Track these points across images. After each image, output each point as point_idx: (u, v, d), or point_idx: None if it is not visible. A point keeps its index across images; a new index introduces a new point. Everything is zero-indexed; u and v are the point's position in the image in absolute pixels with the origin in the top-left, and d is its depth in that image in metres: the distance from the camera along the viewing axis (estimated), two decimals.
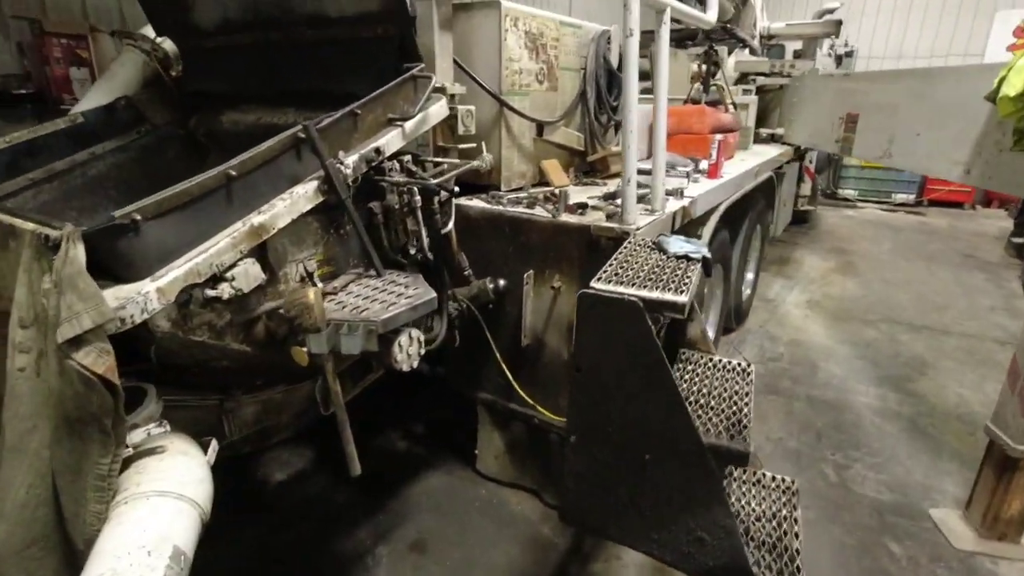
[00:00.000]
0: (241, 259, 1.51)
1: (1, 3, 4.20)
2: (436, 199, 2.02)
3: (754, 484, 2.14)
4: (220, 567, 2.39)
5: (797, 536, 1.89)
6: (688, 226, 3.02)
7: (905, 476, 3.12)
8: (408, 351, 1.71)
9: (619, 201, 2.31)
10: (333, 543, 2.60)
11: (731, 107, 4.93)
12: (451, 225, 2.27)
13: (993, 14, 10.50)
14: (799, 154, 6.79)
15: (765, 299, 5.76)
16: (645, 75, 5.74)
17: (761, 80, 6.16)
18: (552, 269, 2.46)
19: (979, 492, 2.66)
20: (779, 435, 3.47)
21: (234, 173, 1.50)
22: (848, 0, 11.30)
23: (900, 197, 10.59)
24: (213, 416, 2.01)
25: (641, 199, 2.47)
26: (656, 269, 1.83)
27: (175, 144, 2.84)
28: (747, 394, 1.98)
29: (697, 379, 2.09)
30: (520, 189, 2.87)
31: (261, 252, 1.61)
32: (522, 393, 2.59)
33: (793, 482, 2.14)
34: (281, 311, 1.55)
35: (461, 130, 2.51)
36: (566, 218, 2.37)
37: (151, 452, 1.52)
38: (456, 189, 2.14)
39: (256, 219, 1.54)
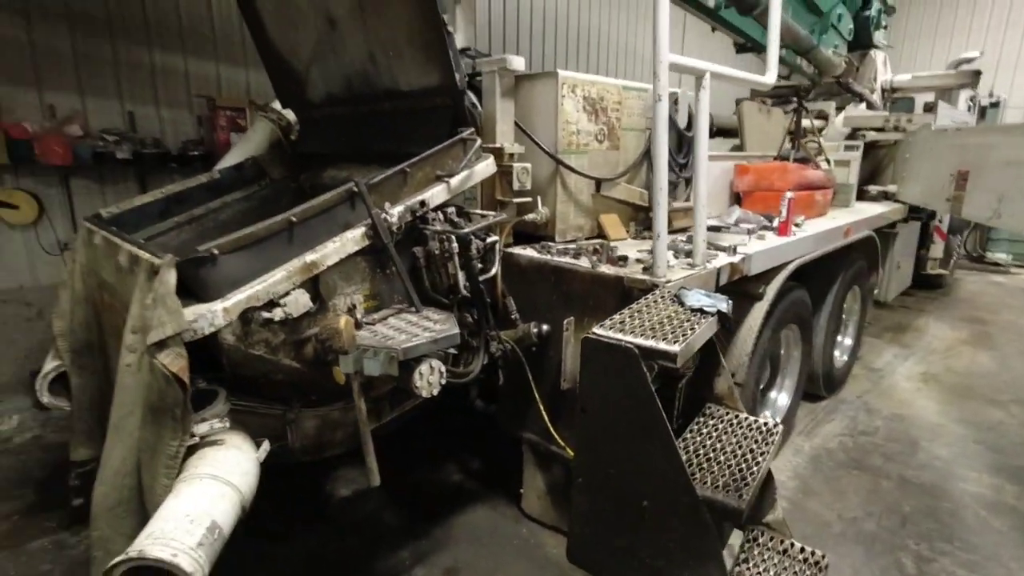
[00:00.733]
0: (294, 289, 1.85)
1: (189, 85, 5.29)
2: (474, 246, 2.25)
3: (779, 552, 2.03)
4: (275, 564, 2.70)
5: None
6: (743, 282, 2.99)
7: None
8: (428, 379, 1.92)
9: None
10: (376, 559, 2.81)
11: (825, 164, 4.73)
12: (494, 271, 2.50)
13: None
14: (928, 214, 6.24)
15: (870, 368, 5.27)
16: (727, 131, 5.74)
17: (872, 135, 5.82)
18: (590, 317, 2.56)
19: None
20: (855, 514, 3.16)
21: (295, 219, 1.86)
22: (991, 49, 10.37)
23: None
24: (280, 424, 2.35)
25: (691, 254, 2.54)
26: (666, 320, 1.90)
27: (288, 195, 3.39)
28: (763, 453, 1.92)
29: (715, 433, 2.06)
30: (574, 241, 3.04)
31: (314, 284, 1.93)
32: (556, 436, 2.68)
33: (823, 556, 2.01)
34: (319, 333, 1.85)
35: (516, 185, 2.78)
36: (604, 269, 2.49)
37: (212, 443, 1.85)
38: (509, 240, 2.38)
39: (309, 257, 1.88)
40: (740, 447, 1.96)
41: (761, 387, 3.65)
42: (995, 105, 8.42)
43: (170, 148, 5.12)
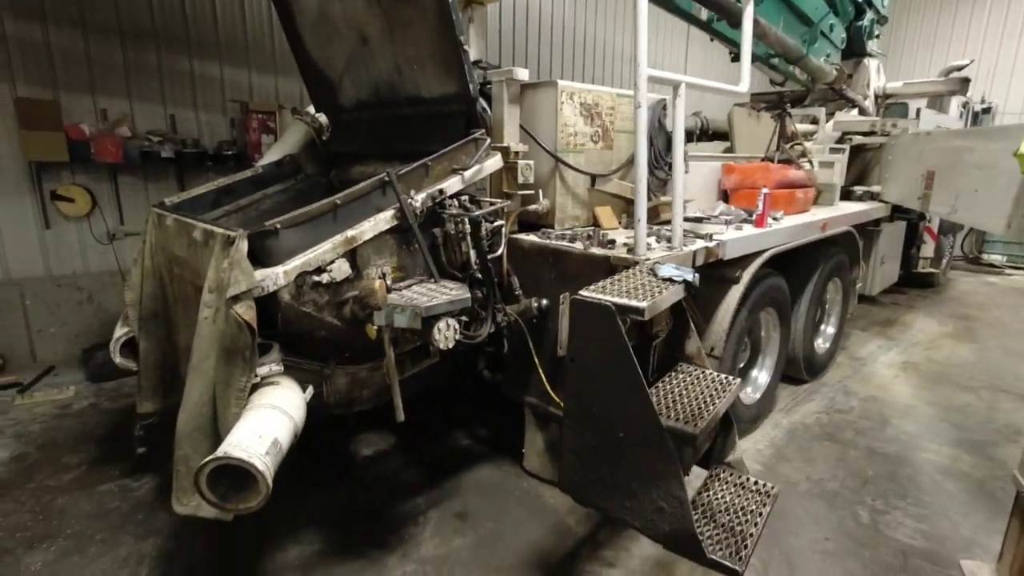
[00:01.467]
0: (337, 259, 2.28)
1: (224, 91, 5.79)
2: (484, 228, 2.68)
3: (736, 485, 2.43)
4: (312, 515, 3.12)
5: (756, 525, 2.17)
6: (721, 267, 3.38)
7: (949, 529, 3.07)
8: (445, 334, 2.34)
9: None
10: (396, 506, 3.22)
11: (808, 165, 5.11)
12: (501, 250, 2.93)
13: None
14: (918, 214, 6.56)
15: (853, 356, 5.62)
16: (720, 135, 6.19)
17: (859, 139, 6.19)
18: None
19: (1008, 544, 2.62)
20: (821, 476, 3.54)
21: (339, 202, 2.30)
22: (987, 57, 10.66)
23: None
24: (317, 379, 2.78)
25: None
26: (640, 286, 2.31)
27: (320, 188, 3.85)
28: (719, 397, 2.32)
29: (683, 384, 2.46)
30: (571, 229, 3.45)
31: (352, 256, 2.37)
32: (556, 398, 3.09)
33: (773, 487, 2.41)
34: (357, 293, 2.28)
35: (521, 179, 3.20)
36: (594, 250, 2.90)
37: (270, 383, 2.29)
38: (514, 227, 2.79)
39: (349, 232, 2.32)
40: (701, 394, 2.36)
41: (742, 365, 4.04)
42: (987, 111, 8.72)
43: (207, 148, 5.62)
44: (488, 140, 2.85)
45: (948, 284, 8.93)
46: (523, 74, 3.10)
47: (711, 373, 2.54)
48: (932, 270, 8.01)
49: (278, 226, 2.17)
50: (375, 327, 2.32)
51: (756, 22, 5.08)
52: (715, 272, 3.50)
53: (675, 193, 2.89)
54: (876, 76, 7.92)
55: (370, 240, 2.40)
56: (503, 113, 3.17)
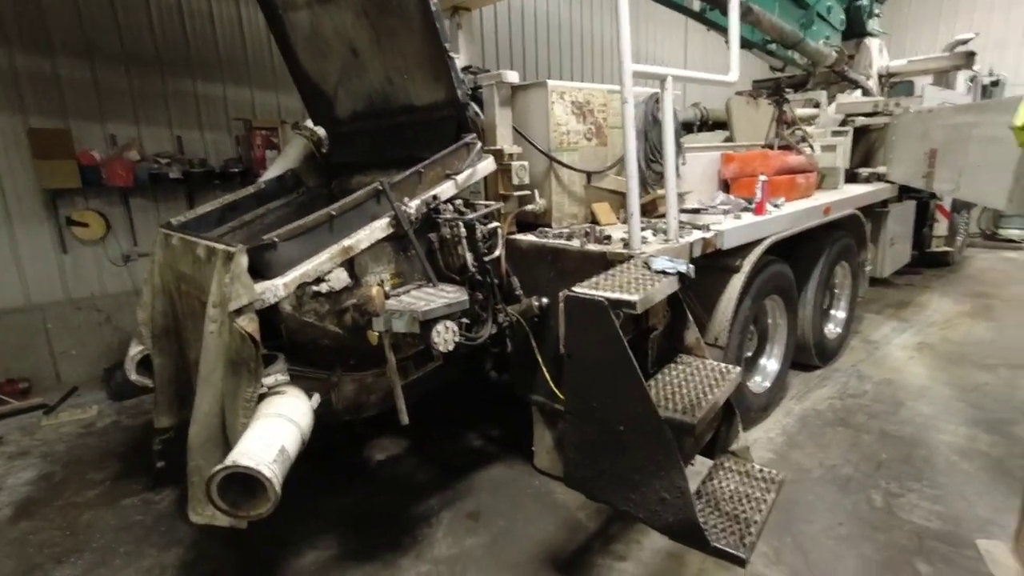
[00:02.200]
0: (335, 268, 2.34)
1: (228, 110, 5.92)
2: (479, 231, 2.72)
3: (741, 473, 2.44)
4: (329, 515, 3.19)
5: (761, 512, 2.18)
6: (721, 256, 3.39)
7: (965, 510, 3.03)
8: (444, 336, 2.38)
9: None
10: (410, 507, 3.28)
11: (809, 150, 5.07)
12: (498, 252, 2.96)
13: None
14: (929, 193, 6.46)
15: (867, 340, 5.56)
16: (721, 125, 6.17)
17: (862, 120, 6.11)
18: None
19: (1023, 521, 2.59)
20: (834, 462, 3.52)
21: (334, 213, 2.36)
22: (995, 29, 10.45)
23: None
24: (324, 388, 2.85)
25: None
26: (634, 280, 2.33)
27: (322, 200, 3.91)
28: (718, 387, 2.33)
29: (682, 375, 2.47)
30: (568, 227, 3.48)
31: (350, 265, 2.43)
32: (560, 395, 3.11)
33: (779, 474, 2.41)
34: (356, 301, 2.33)
35: (516, 181, 3.24)
36: (591, 247, 2.92)
37: (277, 392, 2.35)
38: (512, 228, 2.83)
39: (346, 242, 2.37)
40: (700, 384, 2.37)
41: (750, 354, 4.03)
42: (996, 84, 8.56)
43: (214, 167, 5.75)
44: (479, 144, 2.89)
45: (964, 262, 8.77)
46: (512, 76, 3.14)
47: (710, 363, 2.55)
48: (946, 249, 7.89)
49: (276, 239, 2.23)
50: (375, 333, 2.37)
51: (749, 9, 5.08)
52: (716, 262, 3.50)
53: (668, 186, 2.91)
54: (879, 55, 7.81)
55: (367, 248, 2.45)
56: (495, 116, 3.21)
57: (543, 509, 3.20)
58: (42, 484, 3.60)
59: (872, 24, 7.70)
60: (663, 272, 2.37)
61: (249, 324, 2.14)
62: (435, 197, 2.64)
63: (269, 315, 2.37)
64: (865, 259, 5.31)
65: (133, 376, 3.23)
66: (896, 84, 7.99)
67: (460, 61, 3.65)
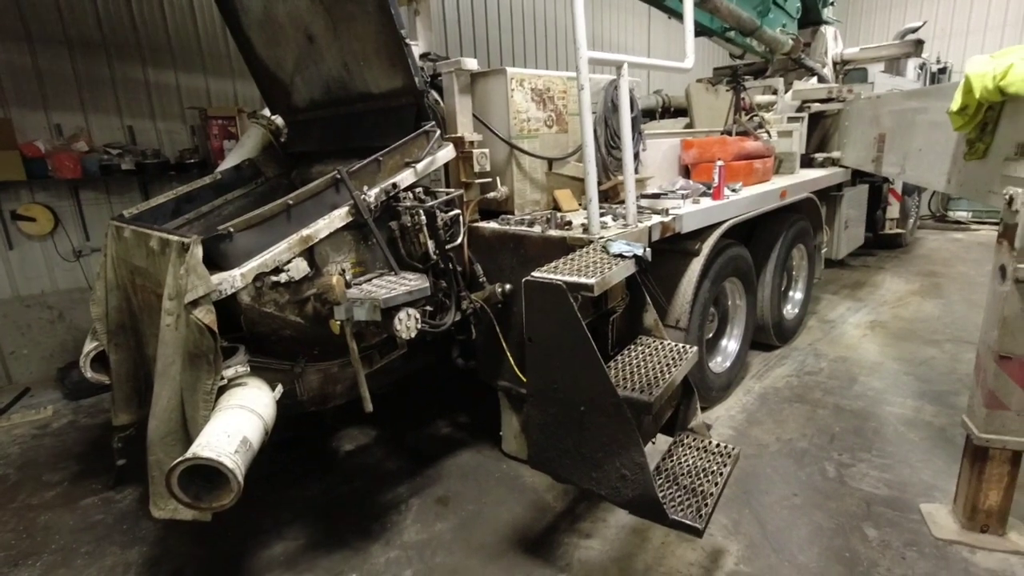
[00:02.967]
0: (294, 258, 2.31)
1: (181, 99, 5.73)
2: (439, 219, 2.72)
3: (699, 449, 2.53)
4: (297, 505, 3.18)
5: (716, 485, 2.27)
6: (680, 240, 3.46)
7: (910, 476, 3.20)
8: (407, 324, 2.39)
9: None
10: (378, 494, 3.29)
11: (766, 135, 5.20)
12: (461, 239, 2.97)
13: None
14: (882, 177, 6.68)
15: (823, 320, 5.77)
16: (683, 111, 6.25)
17: (817, 107, 6.29)
18: None
19: (960, 484, 2.75)
20: (790, 436, 3.66)
21: (291, 202, 2.33)
22: (943, 18, 10.84)
23: None
24: (289, 379, 2.82)
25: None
26: (592, 264, 2.37)
27: (282, 189, 3.85)
28: (676, 367, 2.40)
29: (641, 356, 2.54)
30: (531, 214, 3.50)
31: (310, 254, 2.40)
32: (523, 379, 3.15)
33: (735, 448, 2.50)
34: (317, 290, 2.32)
35: (477, 168, 3.24)
36: (552, 232, 2.96)
37: (238, 384, 2.33)
38: (475, 216, 2.84)
39: (304, 232, 2.35)
40: (658, 364, 2.44)
41: (711, 335, 4.14)
42: (943, 71, 8.90)
43: (168, 157, 5.57)
44: (439, 132, 2.88)
45: (916, 243, 9.15)
46: (471, 64, 3.13)
47: (668, 343, 2.62)
48: (899, 231, 8.22)
49: (231, 230, 2.20)
50: (337, 322, 2.36)
51: None
52: (676, 246, 3.58)
53: (626, 171, 2.95)
54: (833, 43, 8.02)
55: (327, 238, 2.43)
56: (455, 104, 3.20)
57: (511, 492, 3.25)
58: None
59: (827, 12, 7.90)
60: (620, 256, 2.42)
61: (206, 316, 2.11)
62: (395, 185, 2.63)
63: (228, 307, 2.34)
64: (821, 241, 5.50)
65: (88, 373, 3.15)
66: (850, 71, 8.23)
67: (418, 48, 3.62)
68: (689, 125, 5.57)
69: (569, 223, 3.04)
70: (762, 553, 2.66)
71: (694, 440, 2.58)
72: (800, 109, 6.39)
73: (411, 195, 2.70)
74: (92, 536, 3.00)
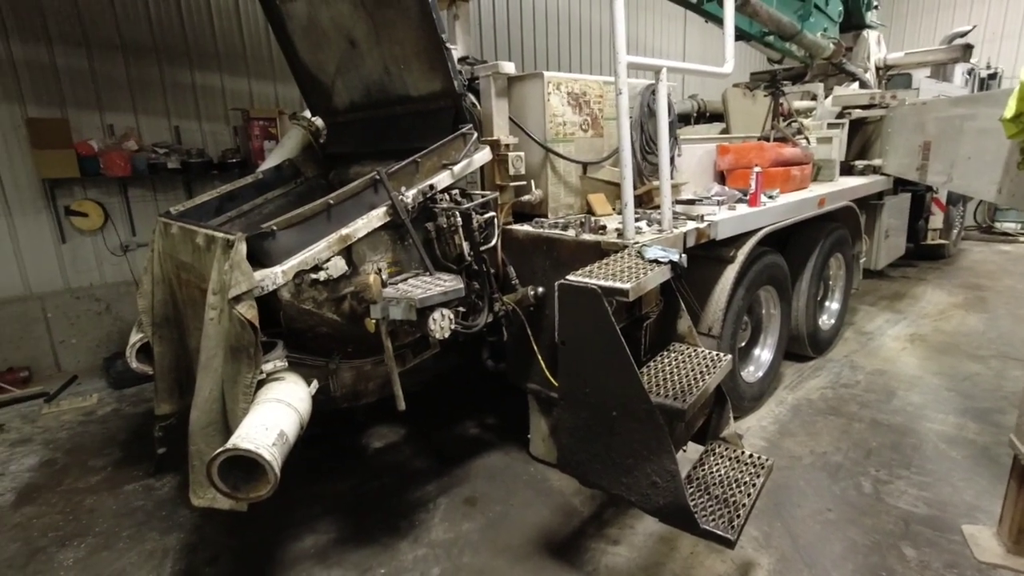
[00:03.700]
0: (333, 256, 2.37)
1: (225, 100, 5.92)
2: (475, 221, 2.75)
3: (731, 459, 2.50)
4: (327, 500, 3.25)
5: (749, 496, 2.23)
6: (715, 247, 3.43)
7: (951, 495, 3.09)
8: (440, 324, 2.42)
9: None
10: (406, 492, 3.33)
11: (804, 142, 5.09)
12: (494, 241, 3.00)
13: None
14: (925, 186, 6.48)
15: (861, 331, 5.62)
16: (718, 116, 6.17)
17: (859, 113, 6.14)
18: None
19: (1007, 507, 2.65)
20: (824, 450, 3.58)
21: (332, 202, 2.39)
22: (993, 21, 10.45)
23: None
24: (323, 375, 2.89)
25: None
26: (627, 269, 2.37)
27: (320, 189, 3.94)
28: (709, 374, 2.38)
29: (674, 362, 2.52)
30: (564, 217, 3.51)
31: (348, 253, 2.46)
32: (555, 383, 3.16)
33: (768, 460, 2.46)
34: (354, 288, 2.37)
35: (512, 171, 3.26)
36: (586, 236, 2.96)
37: (276, 378, 2.39)
38: (509, 218, 2.87)
39: (343, 231, 2.40)
40: (692, 371, 2.42)
41: (743, 344, 4.08)
42: (993, 76, 8.57)
43: (212, 157, 5.76)
44: (476, 134, 2.91)
45: (960, 255, 8.83)
46: (509, 67, 3.16)
47: (702, 351, 2.60)
48: (942, 241, 7.95)
49: (275, 228, 2.27)
50: (373, 320, 2.40)
51: (746, 0, 5.09)
52: (710, 252, 3.54)
53: (662, 176, 2.94)
54: (876, 47, 7.83)
55: (364, 237, 2.48)
56: (491, 107, 3.23)
57: (538, 495, 3.25)
58: (44, 470, 3.65)
59: (870, 16, 7.71)
60: (655, 261, 2.41)
61: (248, 311, 2.18)
62: (432, 187, 2.67)
63: (268, 302, 2.40)
64: (860, 251, 5.36)
65: (134, 364, 3.27)
66: (894, 76, 8.02)
67: (457, 52, 3.66)
68: (725, 130, 5.50)
69: (603, 227, 3.04)
70: (794, 567, 2.60)
71: (726, 449, 2.55)
72: (840, 115, 6.25)
73: (447, 197, 2.74)
74: (133, 521, 3.11)
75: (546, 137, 3.35)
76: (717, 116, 6.36)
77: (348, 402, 3.01)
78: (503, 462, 3.62)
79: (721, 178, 4.60)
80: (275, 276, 2.25)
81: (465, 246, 2.76)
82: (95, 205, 5.16)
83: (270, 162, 3.93)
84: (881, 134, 5.91)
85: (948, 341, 5.31)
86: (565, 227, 3.18)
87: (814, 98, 6.73)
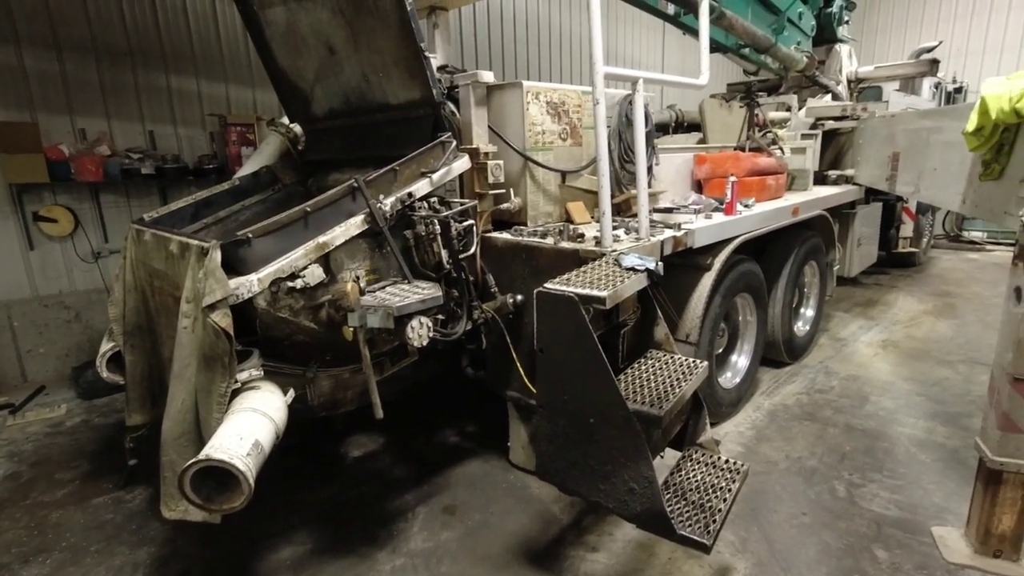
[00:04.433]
0: (310, 264, 2.35)
1: (202, 105, 5.84)
2: (454, 229, 2.75)
3: (708, 464, 2.52)
4: (304, 510, 3.20)
5: (725, 501, 2.26)
6: (692, 255, 3.47)
7: (921, 498, 3.16)
8: (419, 332, 2.41)
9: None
10: (385, 501, 3.30)
11: (779, 152, 5.20)
12: (474, 249, 3.00)
13: None
14: (896, 195, 6.66)
15: (835, 338, 5.73)
16: (696, 127, 6.27)
17: (831, 124, 6.29)
18: None
19: (973, 508, 2.72)
20: (800, 455, 3.63)
21: (309, 209, 2.37)
22: (958, 38, 10.83)
23: None
24: (301, 384, 2.85)
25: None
26: (604, 276, 2.39)
27: (299, 197, 3.90)
28: (685, 380, 2.40)
29: (651, 369, 2.54)
30: (543, 225, 3.53)
31: (325, 261, 2.44)
32: (534, 390, 3.16)
33: (743, 465, 2.49)
34: (331, 296, 2.35)
35: (491, 179, 3.28)
36: (564, 244, 2.98)
37: (251, 387, 2.36)
38: (488, 226, 2.87)
39: (321, 238, 2.38)
40: (669, 378, 2.44)
41: (720, 350, 4.13)
42: (959, 91, 8.86)
43: (187, 163, 5.67)
44: (455, 143, 2.92)
45: (929, 262, 9.07)
46: (488, 76, 3.18)
47: (679, 358, 2.63)
48: (912, 249, 8.16)
49: (250, 235, 2.24)
50: (350, 328, 2.39)
51: (722, 14, 5.19)
52: (688, 260, 3.59)
53: (639, 185, 2.97)
54: (848, 61, 8.04)
55: (342, 245, 2.47)
56: (471, 115, 3.24)
57: (518, 503, 3.24)
58: (8, 484, 3.53)
59: (842, 31, 7.92)
60: (632, 269, 2.43)
61: (223, 319, 2.15)
62: (410, 195, 2.66)
63: (244, 311, 2.37)
64: (833, 259, 5.47)
65: (104, 373, 3.19)
66: (864, 89, 8.23)
67: (436, 60, 3.67)
68: (702, 140, 5.59)
69: (581, 235, 3.06)
70: (770, 572, 2.63)
71: (703, 455, 2.57)
72: (814, 126, 6.40)
73: (426, 205, 2.74)
74: (102, 535, 3.03)
75: (525, 146, 3.37)
76: (695, 126, 6.47)
77: (326, 411, 2.98)
78: (483, 470, 3.60)
79: (698, 187, 4.67)
80: (251, 284, 2.22)
81: (444, 254, 2.76)
82: (65, 211, 5.04)
83: (247, 168, 3.88)
84: (853, 145, 6.06)
85: (919, 347, 5.44)
86: (544, 235, 3.20)
87: (788, 109, 6.89)
